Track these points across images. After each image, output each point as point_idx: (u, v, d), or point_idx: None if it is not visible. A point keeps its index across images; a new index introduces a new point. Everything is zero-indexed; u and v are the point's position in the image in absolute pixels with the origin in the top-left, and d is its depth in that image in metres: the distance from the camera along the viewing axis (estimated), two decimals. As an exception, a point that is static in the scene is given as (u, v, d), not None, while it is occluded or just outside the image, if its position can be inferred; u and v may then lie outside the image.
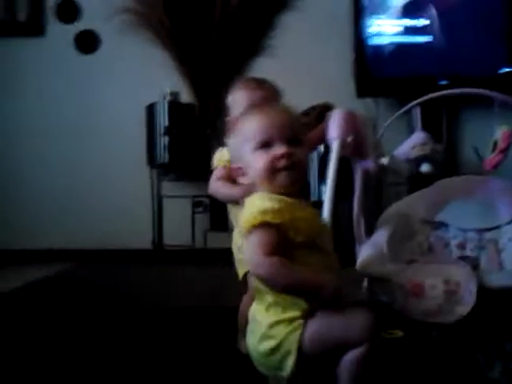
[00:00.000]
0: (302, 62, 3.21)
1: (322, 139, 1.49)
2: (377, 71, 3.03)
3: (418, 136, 1.51)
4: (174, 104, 3.02)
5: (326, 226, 1.08)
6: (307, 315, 0.96)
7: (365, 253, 1.32)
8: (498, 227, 1.45)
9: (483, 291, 1.05)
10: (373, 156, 1.54)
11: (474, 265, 1.33)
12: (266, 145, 1.01)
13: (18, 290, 2.30)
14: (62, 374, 1.27)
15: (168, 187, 3.10)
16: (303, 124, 1.13)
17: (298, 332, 0.95)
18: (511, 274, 1.25)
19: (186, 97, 3.15)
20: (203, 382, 1.23)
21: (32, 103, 3.33)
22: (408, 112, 1.58)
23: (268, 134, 1.01)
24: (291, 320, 0.96)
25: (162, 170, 3.11)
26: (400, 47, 3.04)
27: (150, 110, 3.02)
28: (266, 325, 0.98)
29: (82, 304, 2.03)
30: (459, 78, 2.83)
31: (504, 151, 1.43)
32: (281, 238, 0.95)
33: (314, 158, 2.82)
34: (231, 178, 1.32)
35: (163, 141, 2.95)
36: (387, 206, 1.60)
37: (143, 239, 3.11)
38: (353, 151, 1.48)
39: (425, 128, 1.56)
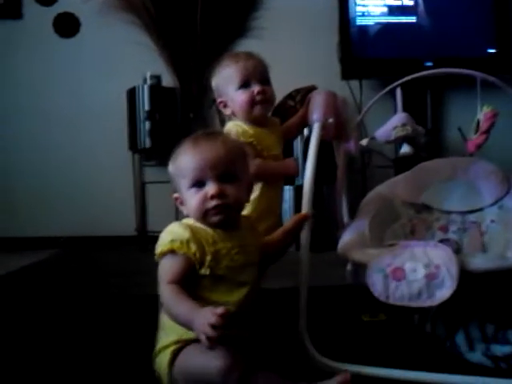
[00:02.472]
0: (287, 43, 3.16)
1: (306, 122, 1.46)
2: (362, 53, 2.99)
3: (399, 117, 1.49)
4: (156, 88, 2.96)
5: (253, 257, 1.07)
6: (184, 343, 0.98)
7: (346, 236, 1.31)
8: (481, 209, 1.44)
9: (465, 274, 1.03)
10: (355, 138, 1.52)
11: (456, 248, 1.32)
12: (198, 183, 1.00)
13: (1, 279, 2.26)
14: (47, 359, 1.25)
15: (151, 173, 3.05)
16: (243, 155, 1.09)
17: (167, 360, 0.98)
18: (493, 257, 1.23)
19: (167, 80, 3.09)
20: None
21: (9, 87, 3.25)
22: (393, 94, 1.55)
23: (199, 173, 1.00)
24: (166, 347, 1.00)
25: (144, 155, 3.07)
26: (385, 28, 3.00)
27: (131, 94, 2.96)
28: (155, 351, 1.03)
29: (66, 291, 2.00)
30: (445, 59, 2.80)
31: (486, 132, 1.41)
32: (186, 267, 0.97)
33: (298, 141, 2.78)
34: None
35: (145, 125, 2.90)
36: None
37: (127, 226, 3.08)
38: (334, 133, 1.45)
39: (409, 110, 1.54)
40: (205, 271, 0.98)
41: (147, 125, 2.89)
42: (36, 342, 1.41)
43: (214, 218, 1.00)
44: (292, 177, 2.79)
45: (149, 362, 1.04)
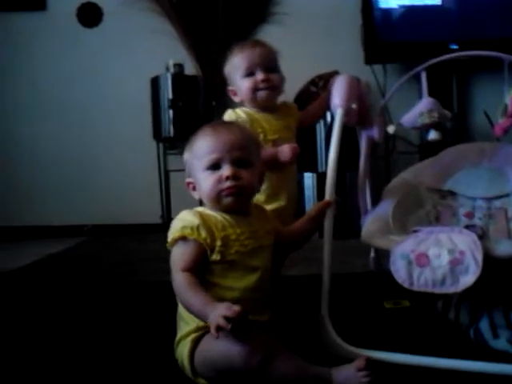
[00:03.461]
0: (309, 28, 3.14)
1: (327, 108, 1.45)
2: (385, 36, 2.94)
3: (425, 103, 1.46)
4: (178, 76, 2.97)
5: (265, 241, 1.08)
6: (204, 330, 0.98)
7: (369, 223, 1.30)
8: (507, 195, 1.41)
9: (490, 260, 1.02)
10: (378, 124, 1.50)
11: (481, 233, 1.30)
12: (213, 166, 1.03)
13: (28, 267, 2.32)
14: (72, 343, 1.28)
15: (174, 161, 3.08)
16: (257, 144, 1.12)
17: (188, 348, 0.99)
18: (520, 243, 1.21)
19: (190, 68, 3.10)
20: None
21: (35, 78, 3.30)
22: (418, 78, 1.52)
23: (216, 155, 1.03)
24: (186, 335, 1.01)
25: (167, 143, 3.09)
26: (409, 10, 2.93)
27: (155, 82, 2.98)
28: (176, 340, 1.04)
29: (93, 278, 2.05)
30: (471, 41, 2.74)
31: (514, 115, 1.38)
32: (197, 253, 1.00)
33: (321, 127, 2.77)
34: None
35: (168, 114, 2.92)
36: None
37: (152, 213, 3.12)
38: (357, 119, 1.44)
39: (435, 94, 1.51)
40: (216, 257, 1.00)
41: (170, 113, 2.91)
42: (63, 327, 1.44)
43: (227, 200, 1.03)
44: (313, 163, 2.78)
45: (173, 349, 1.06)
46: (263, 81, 1.34)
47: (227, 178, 1.01)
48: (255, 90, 1.35)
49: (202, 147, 1.05)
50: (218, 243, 1.01)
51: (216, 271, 1.01)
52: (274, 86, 1.36)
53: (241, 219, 1.05)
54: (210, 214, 1.04)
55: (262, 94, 1.36)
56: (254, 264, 1.04)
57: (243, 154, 1.04)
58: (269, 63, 1.36)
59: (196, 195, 1.09)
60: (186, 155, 1.10)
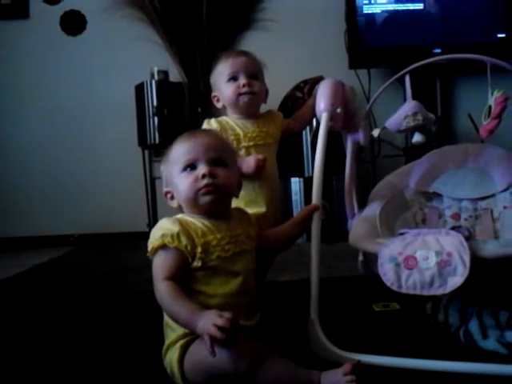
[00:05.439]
0: (293, 34, 3.16)
1: (313, 113, 1.45)
2: (369, 41, 2.97)
3: (409, 105, 1.46)
4: (163, 83, 2.97)
5: (246, 245, 1.08)
6: (192, 336, 0.97)
7: (357, 227, 1.30)
8: (493, 196, 1.42)
9: (477, 261, 1.02)
10: (364, 128, 1.50)
11: (468, 234, 1.31)
12: (190, 166, 1.03)
13: (16, 277, 2.29)
14: (60, 356, 1.26)
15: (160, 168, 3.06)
16: (233, 152, 1.14)
17: (177, 354, 0.98)
18: (505, 243, 1.22)
19: (175, 75, 3.09)
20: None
21: (19, 87, 3.27)
22: (402, 82, 1.53)
23: (192, 156, 1.04)
24: (174, 342, 1.00)
25: (153, 150, 3.07)
26: (392, 15, 2.97)
27: (139, 89, 2.97)
28: (164, 348, 1.03)
29: (80, 289, 2.02)
30: (454, 45, 2.78)
31: (498, 117, 1.39)
32: (179, 261, 0.99)
33: (307, 132, 2.77)
34: None
35: (154, 121, 2.91)
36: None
37: (138, 221, 3.10)
38: (342, 123, 1.44)
39: (419, 97, 1.51)
40: (197, 263, 1.00)
41: (156, 120, 2.90)
42: (51, 339, 1.42)
43: (205, 198, 1.02)
44: (299, 168, 2.78)
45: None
46: (245, 85, 1.36)
47: (203, 176, 1.01)
48: (238, 94, 1.37)
49: (179, 152, 1.05)
50: (199, 250, 1.00)
51: (199, 278, 1.00)
52: (255, 91, 1.38)
53: (221, 224, 1.05)
54: (189, 221, 1.03)
55: (244, 98, 1.37)
56: (235, 269, 1.04)
57: (219, 154, 1.05)
58: (252, 71, 1.39)
59: (174, 203, 1.08)
60: (163, 165, 1.10)
